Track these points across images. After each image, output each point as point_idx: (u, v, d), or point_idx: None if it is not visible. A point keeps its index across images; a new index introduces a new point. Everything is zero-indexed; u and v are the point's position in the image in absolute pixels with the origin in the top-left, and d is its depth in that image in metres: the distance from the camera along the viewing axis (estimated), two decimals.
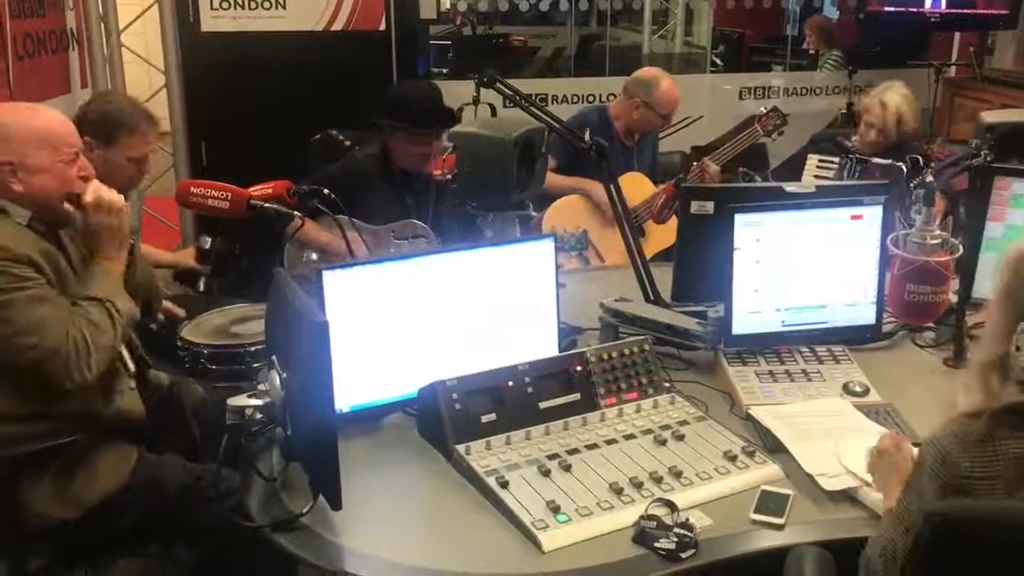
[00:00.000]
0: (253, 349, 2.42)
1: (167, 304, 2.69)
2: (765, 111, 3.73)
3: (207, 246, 3.09)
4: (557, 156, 3.50)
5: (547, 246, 2.06)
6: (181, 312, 2.76)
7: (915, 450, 1.61)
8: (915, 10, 5.56)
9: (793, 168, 3.70)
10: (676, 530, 1.54)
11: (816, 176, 3.58)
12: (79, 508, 1.91)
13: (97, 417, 1.95)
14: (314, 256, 2.89)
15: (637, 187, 3.64)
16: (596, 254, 3.49)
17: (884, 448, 1.64)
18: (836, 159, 3.49)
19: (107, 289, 1.93)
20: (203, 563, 2.04)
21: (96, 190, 1.96)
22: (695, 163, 3.68)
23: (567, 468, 1.71)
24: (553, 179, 3.47)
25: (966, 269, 2.32)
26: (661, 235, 3.57)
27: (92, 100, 2.81)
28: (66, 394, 1.88)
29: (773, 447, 1.82)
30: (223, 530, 1.77)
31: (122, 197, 2.00)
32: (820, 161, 3.52)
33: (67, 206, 1.94)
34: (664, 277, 2.46)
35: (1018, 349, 1.37)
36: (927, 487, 1.33)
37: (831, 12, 7.00)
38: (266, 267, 1.95)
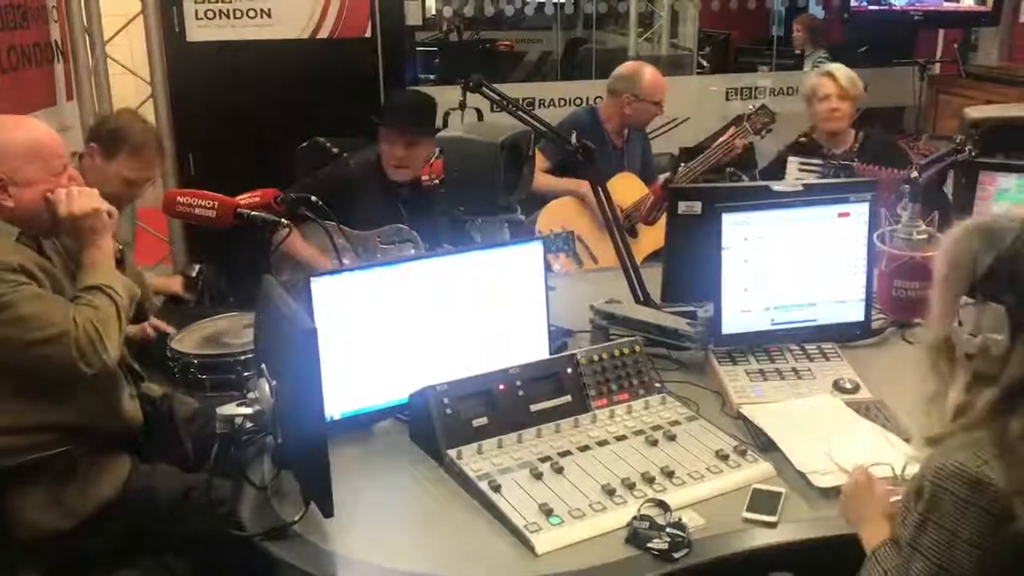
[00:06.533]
0: (243, 358, 2.42)
1: (156, 321, 2.68)
2: (754, 109, 3.74)
3: (194, 274, 3.09)
4: (550, 157, 3.51)
5: (536, 249, 2.07)
6: (171, 329, 2.76)
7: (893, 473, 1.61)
8: (898, 8, 5.59)
9: (773, 169, 3.70)
10: (669, 530, 1.54)
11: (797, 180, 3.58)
12: (72, 518, 1.91)
13: (97, 426, 1.95)
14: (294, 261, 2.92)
15: (628, 188, 3.64)
16: (590, 255, 3.49)
17: (859, 483, 1.59)
18: (818, 162, 3.49)
19: (99, 276, 1.93)
20: (196, 573, 2.03)
21: (66, 191, 1.94)
22: (683, 164, 3.68)
23: (559, 470, 1.71)
24: (545, 180, 3.48)
25: None
26: (654, 236, 3.57)
27: (116, 114, 2.96)
28: (71, 403, 1.88)
29: (764, 445, 1.82)
30: (215, 539, 1.76)
31: (88, 189, 1.97)
32: (801, 164, 3.52)
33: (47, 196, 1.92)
34: (654, 278, 2.46)
35: (960, 324, 1.37)
36: (961, 518, 1.27)
37: (817, 12, 7.04)
38: (255, 276, 1.94)
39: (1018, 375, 1.31)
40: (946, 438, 1.34)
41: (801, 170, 3.50)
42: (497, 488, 1.65)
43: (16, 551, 1.88)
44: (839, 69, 3.58)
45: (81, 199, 1.92)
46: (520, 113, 2.46)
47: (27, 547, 1.88)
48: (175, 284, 3.18)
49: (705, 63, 6.53)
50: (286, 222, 2.31)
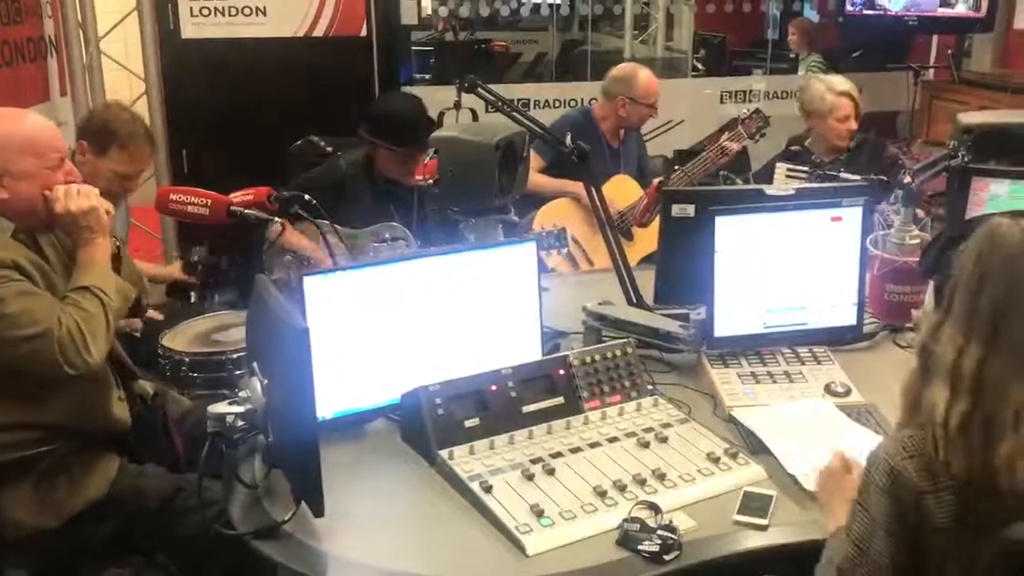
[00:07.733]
0: (235, 356, 2.41)
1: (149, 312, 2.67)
2: (748, 113, 3.75)
3: (195, 258, 3.08)
4: (545, 156, 3.51)
5: (529, 250, 2.07)
6: (159, 315, 2.75)
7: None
8: (893, 13, 5.61)
9: (768, 172, 3.71)
10: (660, 532, 1.54)
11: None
12: (59, 517, 1.90)
13: (84, 427, 1.94)
14: (287, 257, 2.90)
15: (624, 190, 3.64)
16: (585, 258, 3.49)
17: (833, 468, 1.64)
18: (805, 169, 3.50)
19: (92, 277, 1.91)
20: (186, 572, 2.03)
21: (65, 188, 1.93)
22: (677, 166, 3.68)
23: (550, 472, 1.71)
24: (540, 181, 3.48)
25: None
26: (649, 238, 3.56)
27: (102, 107, 2.90)
28: (55, 402, 1.87)
29: (756, 448, 1.83)
30: (204, 539, 1.76)
31: (86, 186, 1.96)
32: (789, 171, 3.54)
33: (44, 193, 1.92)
34: (647, 280, 2.47)
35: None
36: (878, 506, 1.30)
37: (811, 16, 7.05)
38: (250, 274, 1.94)
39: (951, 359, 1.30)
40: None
41: (788, 176, 3.51)
42: (488, 489, 1.65)
43: (3, 549, 1.87)
44: (851, 86, 3.59)
45: (79, 197, 1.91)
46: (515, 114, 2.46)
47: (14, 546, 1.87)
48: (175, 270, 3.17)
49: (700, 66, 6.54)
50: (279, 220, 2.31)
